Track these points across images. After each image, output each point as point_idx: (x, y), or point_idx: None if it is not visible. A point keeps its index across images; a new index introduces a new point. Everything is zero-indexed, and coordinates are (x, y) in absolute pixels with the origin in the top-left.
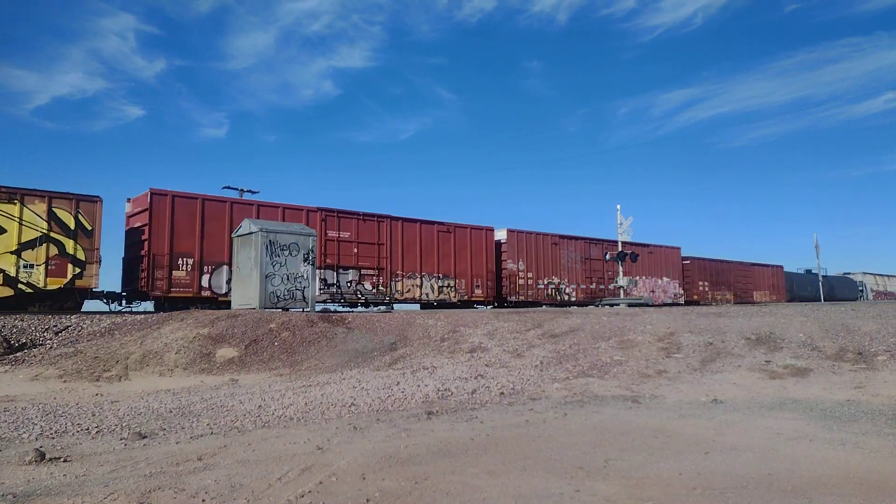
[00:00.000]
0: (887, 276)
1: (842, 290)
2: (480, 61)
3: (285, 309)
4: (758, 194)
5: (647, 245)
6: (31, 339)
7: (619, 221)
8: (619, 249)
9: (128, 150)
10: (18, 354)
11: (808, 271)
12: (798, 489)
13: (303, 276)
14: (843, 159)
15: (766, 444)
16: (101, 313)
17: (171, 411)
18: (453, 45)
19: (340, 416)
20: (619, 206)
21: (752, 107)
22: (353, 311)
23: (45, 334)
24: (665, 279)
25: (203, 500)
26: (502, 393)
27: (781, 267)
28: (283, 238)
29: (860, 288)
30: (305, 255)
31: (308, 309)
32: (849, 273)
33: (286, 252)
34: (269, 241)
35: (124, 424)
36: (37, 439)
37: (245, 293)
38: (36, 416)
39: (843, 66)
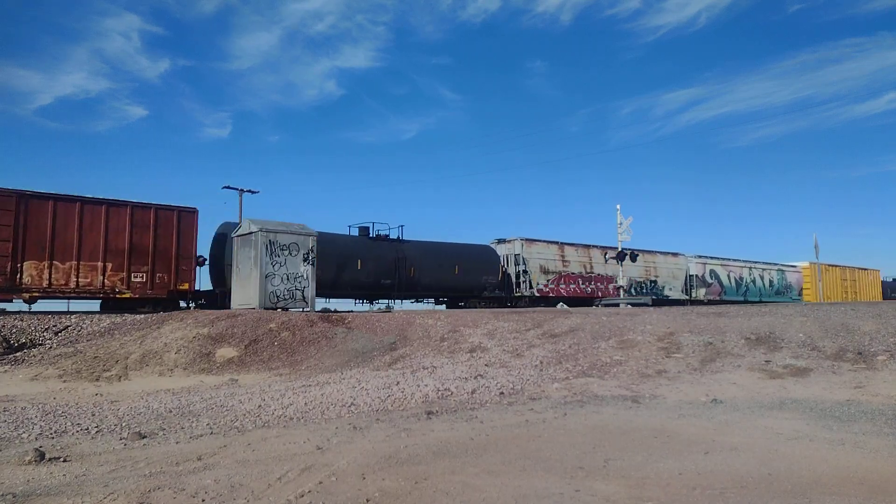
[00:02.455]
0: (580, 245)
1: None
2: (484, 61)
3: (285, 309)
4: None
5: None
6: (30, 339)
7: (618, 221)
8: (620, 249)
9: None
10: (18, 354)
11: (365, 232)
12: (798, 489)
13: (303, 275)
14: (844, 159)
15: (766, 444)
16: (101, 313)
17: (170, 411)
18: (457, 45)
19: (340, 416)
20: (619, 206)
21: (754, 107)
22: (352, 311)
23: (44, 334)
24: None
25: (203, 500)
26: (502, 393)
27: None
28: (283, 238)
29: (524, 270)
30: (305, 255)
31: (308, 309)
32: (504, 240)
33: (286, 252)
34: (269, 240)
35: (124, 424)
36: (36, 439)
37: (245, 293)
38: (36, 416)
39: (846, 66)
